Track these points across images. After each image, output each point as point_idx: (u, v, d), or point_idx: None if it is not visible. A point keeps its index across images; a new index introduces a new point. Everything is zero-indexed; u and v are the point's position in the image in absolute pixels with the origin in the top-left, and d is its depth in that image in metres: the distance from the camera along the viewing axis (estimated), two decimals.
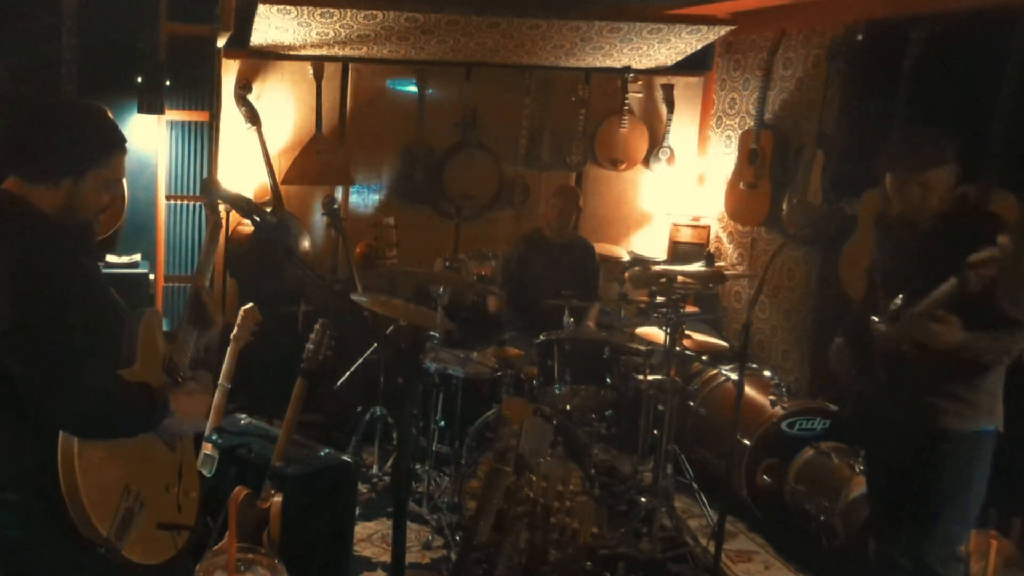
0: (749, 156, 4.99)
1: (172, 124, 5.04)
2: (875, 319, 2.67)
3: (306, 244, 5.08)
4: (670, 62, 5.45)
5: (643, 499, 3.89)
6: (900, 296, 2.59)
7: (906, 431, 2.73)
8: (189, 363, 2.19)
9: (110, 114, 3.09)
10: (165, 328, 2.20)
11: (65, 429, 1.84)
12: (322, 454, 3.14)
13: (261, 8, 4.27)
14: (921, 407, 2.68)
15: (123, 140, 2.00)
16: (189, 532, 2.18)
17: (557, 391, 3.93)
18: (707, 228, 5.59)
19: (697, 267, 4.21)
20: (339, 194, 5.32)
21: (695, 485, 4.09)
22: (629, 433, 4.25)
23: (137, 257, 4.88)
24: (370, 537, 3.80)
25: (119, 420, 1.90)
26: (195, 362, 2.24)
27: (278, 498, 2.78)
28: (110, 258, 4.73)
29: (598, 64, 5.42)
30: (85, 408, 1.80)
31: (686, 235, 5.63)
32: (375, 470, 4.32)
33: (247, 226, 4.78)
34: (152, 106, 4.69)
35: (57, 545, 1.91)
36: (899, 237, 2.77)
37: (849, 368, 2.86)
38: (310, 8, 4.35)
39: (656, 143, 5.59)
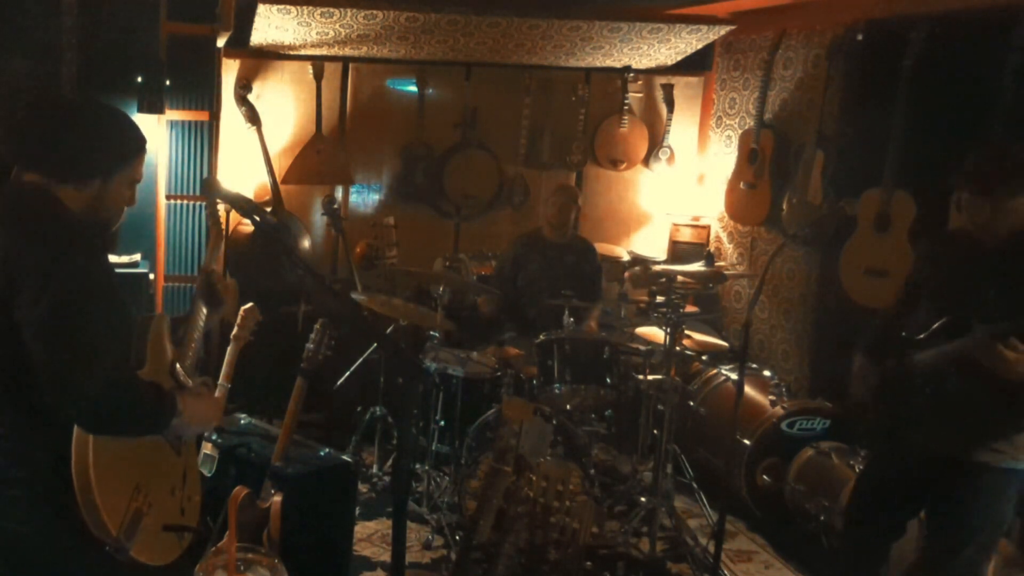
0: (749, 156, 4.99)
1: (172, 124, 5.04)
2: (912, 336, 2.51)
3: (306, 244, 5.08)
4: (670, 62, 5.45)
5: (643, 499, 3.89)
6: (946, 318, 2.42)
7: (934, 459, 2.61)
8: (193, 366, 2.21)
9: None
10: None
11: (80, 423, 1.85)
12: (322, 454, 3.14)
13: (261, 8, 4.27)
14: (957, 437, 2.55)
15: (145, 141, 2.06)
16: (192, 534, 2.18)
17: (557, 391, 3.93)
18: (707, 228, 5.59)
19: (697, 267, 4.22)
20: (339, 194, 5.31)
21: (695, 485, 4.09)
22: (629, 433, 4.25)
23: (137, 257, 4.89)
24: (370, 537, 3.80)
25: (133, 417, 1.91)
26: (198, 365, 2.26)
27: (278, 498, 2.78)
28: (110, 258, 4.73)
29: (598, 64, 5.42)
30: (103, 402, 1.81)
31: (686, 235, 5.63)
32: (375, 470, 4.32)
33: (247, 226, 4.78)
34: (152, 106, 4.69)
35: (66, 544, 1.92)
36: (962, 254, 2.61)
37: (877, 387, 2.70)
38: (310, 8, 4.35)
39: (656, 143, 5.59)
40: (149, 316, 2.13)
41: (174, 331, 2.23)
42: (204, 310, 2.29)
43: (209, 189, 2.41)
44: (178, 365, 2.16)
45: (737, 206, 5.13)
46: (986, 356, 2.37)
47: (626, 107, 5.46)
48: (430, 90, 5.27)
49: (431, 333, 4.13)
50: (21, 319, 1.79)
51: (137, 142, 2.02)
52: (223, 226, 2.56)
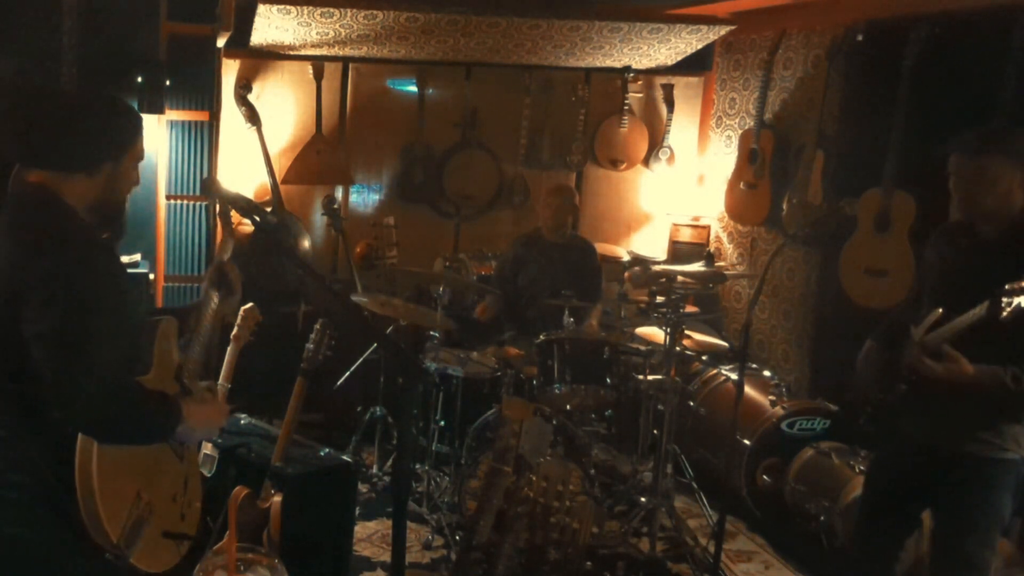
0: (749, 156, 4.99)
1: (172, 124, 5.04)
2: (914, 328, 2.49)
3: (306, 244, 5.08)
4: (670, 62, 5.44)
5: (643, 499, 3.89)
6: (940, 310, 2.40)
7: (925, 450, 2.62)
8: (198, 367, 2.21)
9: None
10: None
11: (86, 432, 1.84)
12: (322, 454, 3.14)
13: (261, 8, 4.27)
14: (943, 428, 2.56)
15: (142, 118, 2.08)
16: (192, 541, 2.18)
17: (557, 391, 3.93)
18: (707, 228, 5.59)
19: (697, 267, 4.21)
20: (339, 194, 5.31)
21: (695, 485, 4.09)
22: (629, 433, 4.25)
23: (137, 257, 4.88)
24: (370, 537, 3.80)
25: (138, 427, 1.90)
26: (204, 371, 2.25)
27: (278, 498, 2.78)
28: None
29: (598, 64, 5.42)
30: (109, 412, 1.81)
31: (686, 235, 5.63)
32: (375, 470, 4.32)
33: (247, 226, 4.77)
34: (152, 106, 4.69)
35: (65, 549, 1.91)
36: (954, 244, 2.61)
37: (877, 376, 2.70)
38: (310, 8, 4.35)
39: (656, 143, 5.59)
40: (156, 320, 2.11)
41: (183, 321, 2.22)
42: (215, 298, 2.28)
43: (209, 189, 2.40)
44: (185, 368, 2.16)
45: (737, 206, 5.13)
46: (918, 366, 2.39)
47: (626, 107, 5.46)
48: (430, 90, 5.27)
49: (431, 333, 4.13)
50: (25, 330, 1.78)
51: (136, 120, 2.05)
52: (234, 237, 2.55)
